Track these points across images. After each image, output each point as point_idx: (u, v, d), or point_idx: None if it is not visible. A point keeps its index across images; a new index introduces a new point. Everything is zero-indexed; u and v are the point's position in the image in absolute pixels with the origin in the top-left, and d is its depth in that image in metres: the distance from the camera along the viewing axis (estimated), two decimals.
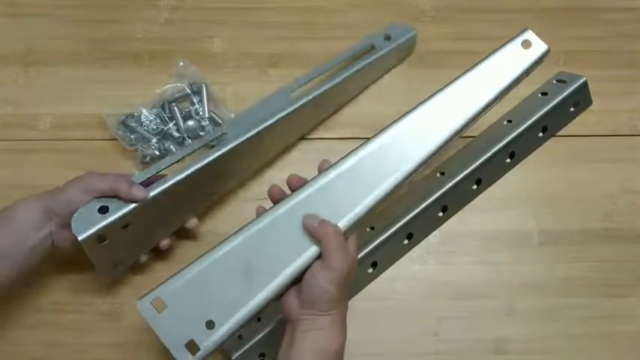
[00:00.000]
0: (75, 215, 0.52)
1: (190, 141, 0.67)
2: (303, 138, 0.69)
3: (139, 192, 0.53)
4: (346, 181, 0.50)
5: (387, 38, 0.70)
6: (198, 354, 0.47)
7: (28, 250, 0.52)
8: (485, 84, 0.52)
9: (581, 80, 0.66)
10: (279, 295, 0.50)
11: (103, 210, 0.53)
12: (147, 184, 0.55)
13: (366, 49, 0.69)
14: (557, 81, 0.68)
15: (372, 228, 0.63)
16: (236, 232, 0.50)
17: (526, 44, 0.53)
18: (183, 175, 0.56)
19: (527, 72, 0.54)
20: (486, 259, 0.65)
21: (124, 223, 0.54)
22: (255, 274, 0.49)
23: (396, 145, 0.51)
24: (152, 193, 0.54)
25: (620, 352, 0.62)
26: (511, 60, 0.53)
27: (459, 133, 0.52)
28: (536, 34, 0.51)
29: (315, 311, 0.48)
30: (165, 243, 0.61)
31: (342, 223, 0.49)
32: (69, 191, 0.53)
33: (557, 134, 0.69)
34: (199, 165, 0.57)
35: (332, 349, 0.47)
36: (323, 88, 0.64)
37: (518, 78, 0.53)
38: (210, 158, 0.58)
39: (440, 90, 0.52)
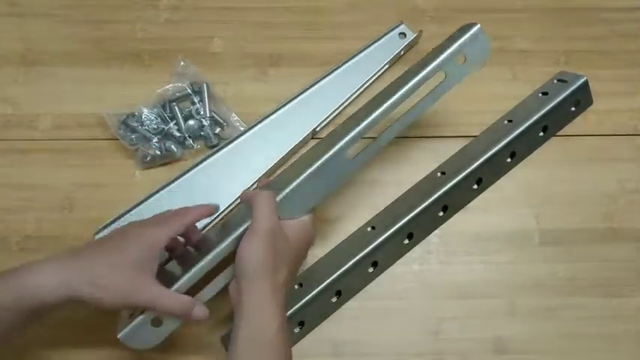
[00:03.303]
0: (126, 334, 0.50)
1: (191, 141, 0.67)
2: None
3: (202, 314, 0.50)
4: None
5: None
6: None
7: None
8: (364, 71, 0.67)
9: (582, 80, 0.66)
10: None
11: (156, 322, 0.51)
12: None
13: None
14: (557, 80, 0.68)
15: (373, 228, 0.63)
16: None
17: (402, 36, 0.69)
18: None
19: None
20: (487, 259, 0.65)
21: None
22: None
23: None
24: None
25: (621, 352, 0.62)
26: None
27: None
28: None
29: (244, 284, 0.47)
30: None
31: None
32: (112, 300, 0.47)
33: (558, 134, 0.69)
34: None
35: (263, 334, 0.47)
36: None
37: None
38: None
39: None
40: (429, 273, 0.64)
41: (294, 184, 0.51)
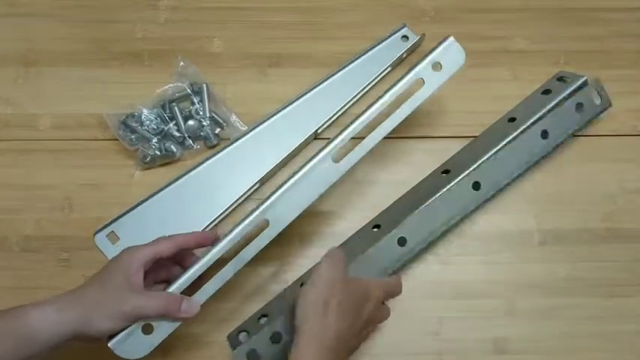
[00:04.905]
0: (116, 343, 0.49)
1: (191, 141, 0.67)
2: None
3: (191, 309, 0.51)
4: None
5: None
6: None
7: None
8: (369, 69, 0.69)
9: (582, 79, 0.66)
10: None
11: (148, 329, 0.50)
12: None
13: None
14: (558, 80, 0.68)
15: (378, 227, 0.63)
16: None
17: (404, 39, 0.71)
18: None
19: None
20: (487, 259, 0.65)
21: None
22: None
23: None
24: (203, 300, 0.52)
25: (621, 352, 0.62)
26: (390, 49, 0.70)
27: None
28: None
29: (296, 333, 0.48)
30: None
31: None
32: (104, 320, 0.48)
33: None
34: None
35: None
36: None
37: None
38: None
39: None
40: (430, 273, 0.64)
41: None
